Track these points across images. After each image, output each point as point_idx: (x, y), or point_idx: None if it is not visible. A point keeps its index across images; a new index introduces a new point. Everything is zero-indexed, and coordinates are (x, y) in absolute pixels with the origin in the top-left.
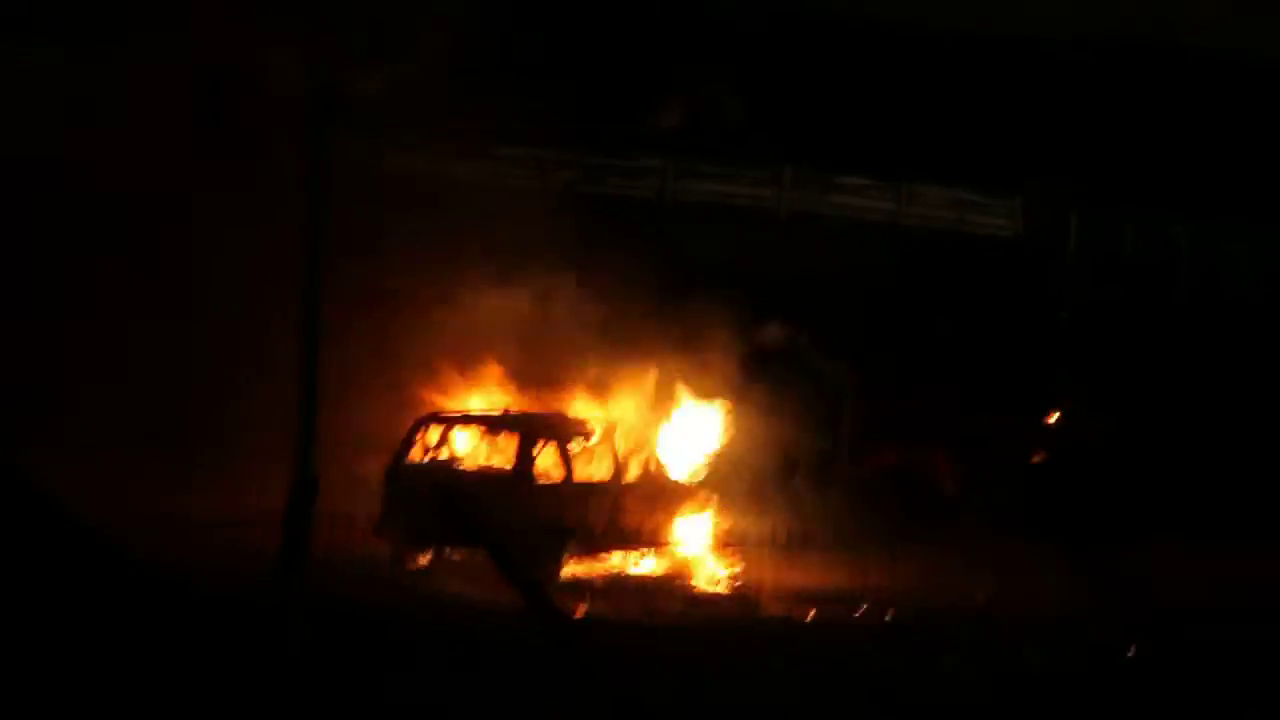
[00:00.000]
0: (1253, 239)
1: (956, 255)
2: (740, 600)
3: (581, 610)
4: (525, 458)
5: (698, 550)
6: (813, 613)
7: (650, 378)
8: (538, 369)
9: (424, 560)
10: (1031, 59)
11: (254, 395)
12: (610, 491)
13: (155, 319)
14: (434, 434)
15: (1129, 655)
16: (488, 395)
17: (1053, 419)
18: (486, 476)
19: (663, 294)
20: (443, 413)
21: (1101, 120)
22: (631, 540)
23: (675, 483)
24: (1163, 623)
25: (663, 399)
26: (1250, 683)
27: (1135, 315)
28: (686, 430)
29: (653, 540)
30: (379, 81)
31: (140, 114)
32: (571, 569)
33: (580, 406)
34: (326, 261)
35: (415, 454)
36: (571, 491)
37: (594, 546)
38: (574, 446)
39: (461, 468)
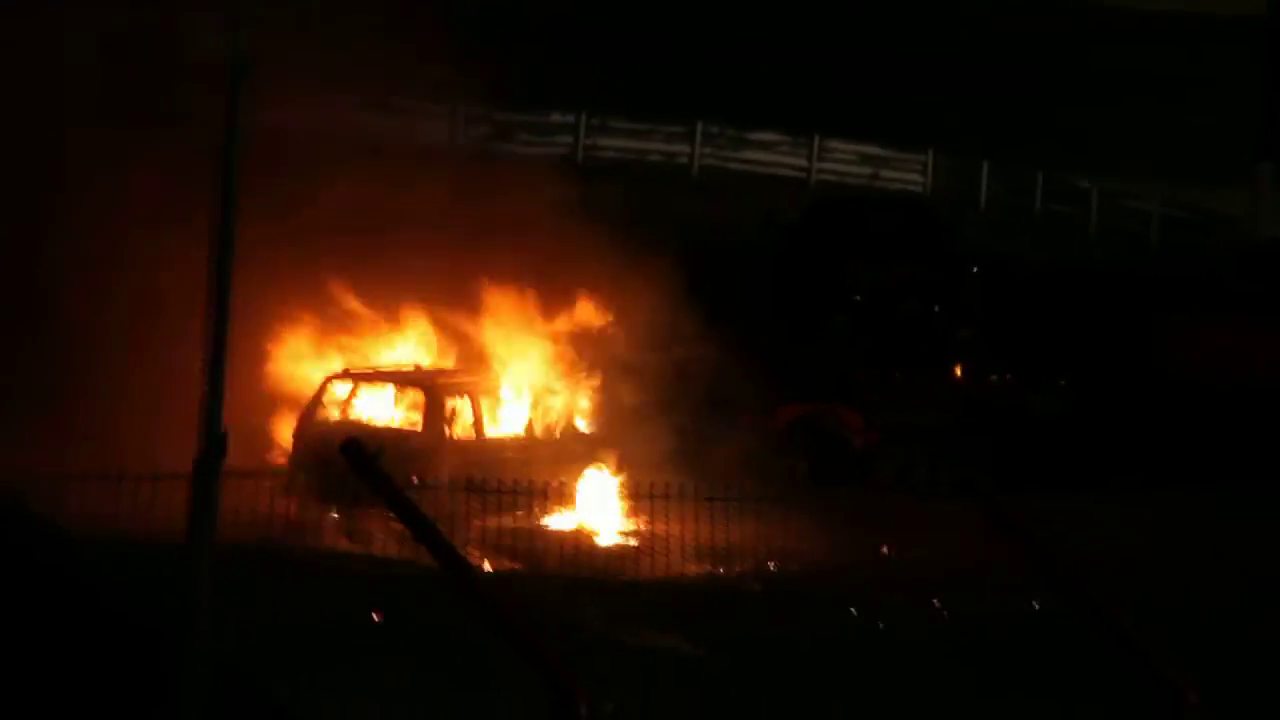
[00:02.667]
0: (1164, 193)
1: (867, 210)
2: (651, 555)
3: (491, 566)
4: (435, 414)
5: (610, 505)
6: (739, 569)
7: (564, 333)
8: (450, 325)
9: (333, 518)
10: (945, 15)
11: (156, 357)
12: (522, 447)
13: (53, 282)
14: (343, 391)
15: (1035, 609)
16: (400, 352)
17: (960, 373)
18: (396, 433)
19: (578, 250)
20: (352, 369)
21: (1014, 76)
22: (543, 496)
23: (587, 437)
24: (1063, 577)
25: (576, 355)
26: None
27: (1046, 269)
28: (598, 386)
29: (565, 496)
30: (287, 37)
31: (45, 78)
32: (483, 525)
33: (492, 362)
34: (236, 217)
35: (323, 412)
36: (483, 448)
37: (505, 503)
38: (485, 403)
39: (371, 425)
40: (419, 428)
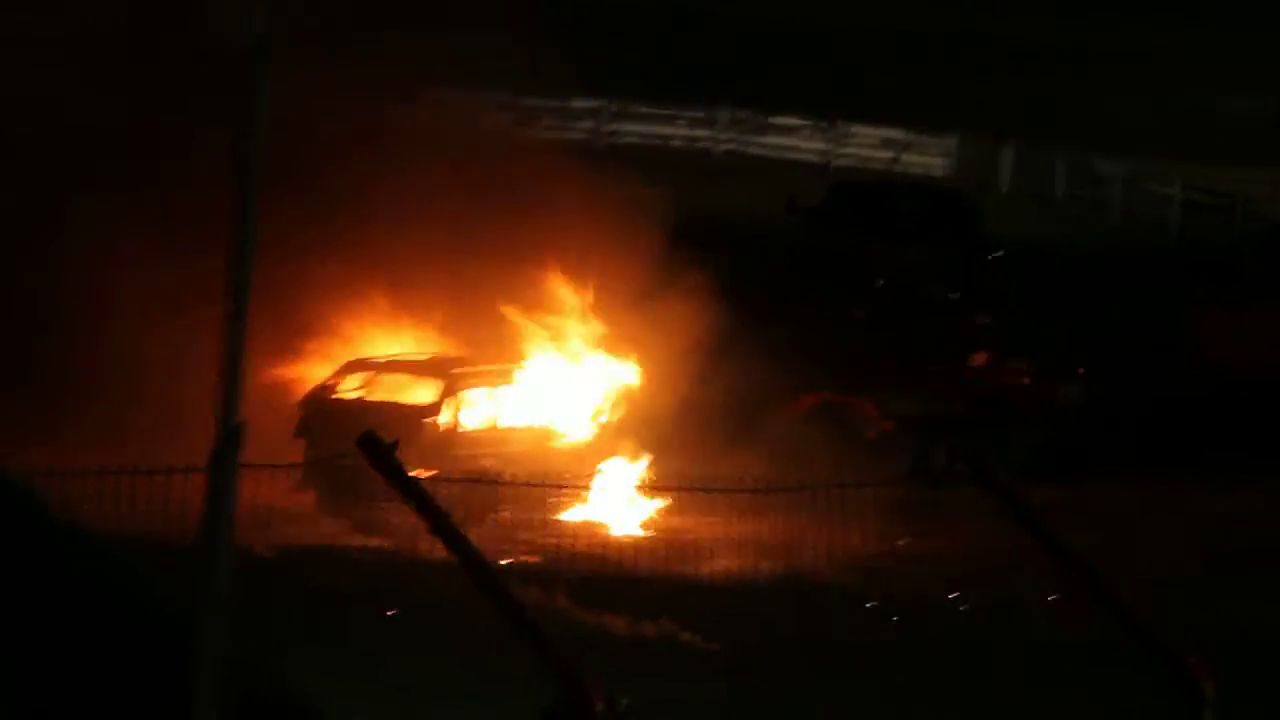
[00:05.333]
0: (1185, 176)
1: (889, 193)
2: (669, 548)
3: (507, 559)
4: (450, 404)
5: (624, 496)
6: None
7: (580, 322)
8: (467, 312)
9: (346, 510)
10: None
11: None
12: (541, 438)
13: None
14: (357, 379)
15: (1049, 600)
16: (414, 340)
17: (980, 361)
18: (409, 418)
19: (598, 237)
20: (368, 357)
21: (1035, 58)
22: (560, 488)
23: (601, 427)
24: (1078, 566)
25: (591, 343)
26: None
27: (1067, 254)
28: (614, 375)
29: (583, 488)
30: (311, 24)
31: (67, 48)
32: (498, 517)
33: (508, 350)
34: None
35: (337, 394)
36: (501, 439)
37: (522, 495)
38: (504, 392)
39: (385, 402)
40: (435, 417)
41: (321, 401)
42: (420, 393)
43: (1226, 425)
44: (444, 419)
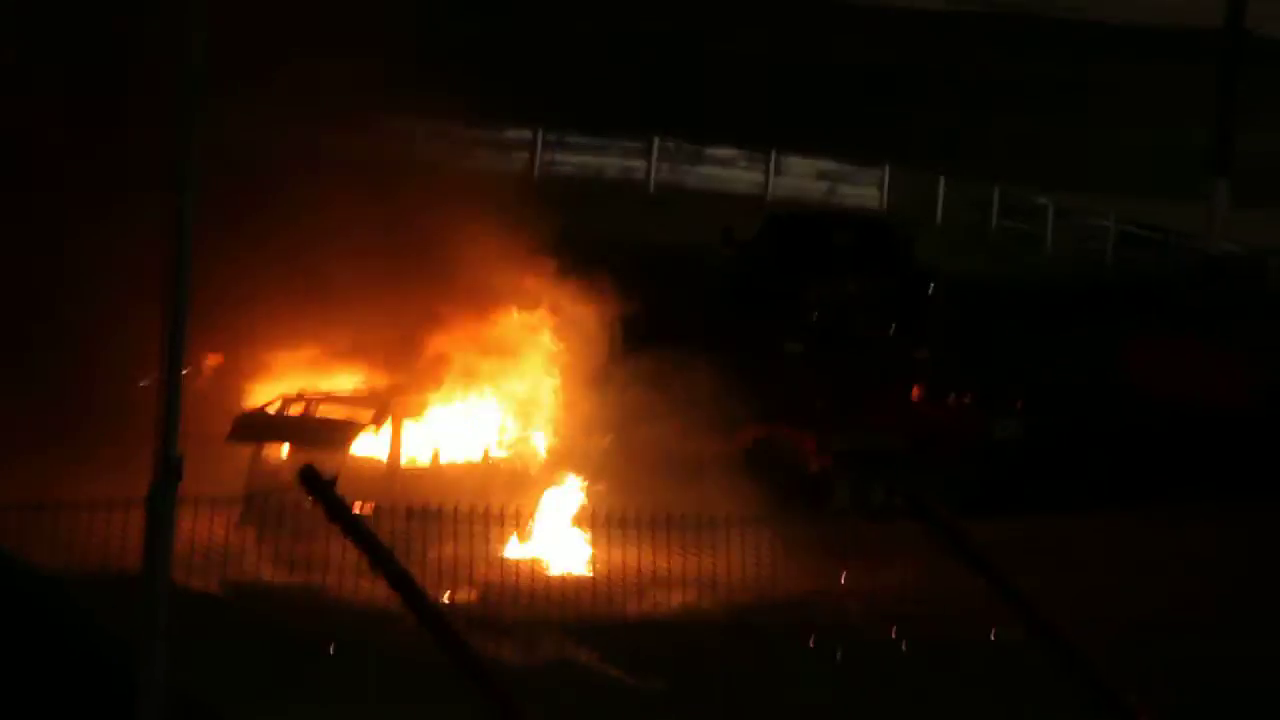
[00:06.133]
0: (1120, 209)
1: (823, 225)
2: (609, 584)
3: (448, 596)
4: (388, 435)
5: (564, 531)
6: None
7: (518, 355)
8: (403, 345)
9: (291, 547)
10: (902, 29)
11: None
12: (479, 471)
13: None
14: (296, 408)
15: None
16: (350, 373)
17: (917, 394)
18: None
19: (534, 268)
20: (305, 392)
21: (971, 90)
22: (500, 523)
23: (544, 460)
24: (1018, 601)
25: (532, 376)
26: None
27: (1003, 286)
28: (553, 407)
29: (520, 522)
30: (246, 50)
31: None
32: (440, 554)
33: (446, 383)
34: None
35: (274, 412)
36: (438, 472)
37: (461, 530)
38: (439, 425)
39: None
40: (372, 428)
41: (257, 414)
42: (357, 415)
43: (1162, 457)
44: (383, 454)
